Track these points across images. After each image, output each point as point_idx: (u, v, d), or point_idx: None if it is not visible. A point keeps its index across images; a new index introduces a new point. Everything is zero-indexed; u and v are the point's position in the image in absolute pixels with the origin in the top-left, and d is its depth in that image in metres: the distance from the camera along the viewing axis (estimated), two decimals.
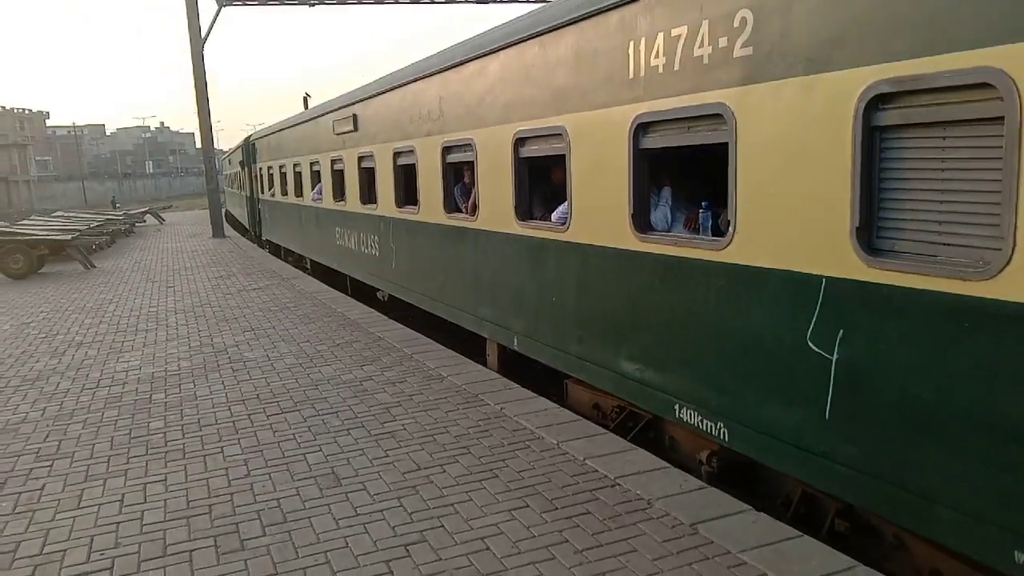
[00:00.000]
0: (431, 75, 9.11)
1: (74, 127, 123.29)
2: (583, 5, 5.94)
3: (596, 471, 4.98)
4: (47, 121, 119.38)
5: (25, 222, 26.96)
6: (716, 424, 4.91)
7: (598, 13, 5.77)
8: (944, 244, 3.57)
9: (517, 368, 7.83)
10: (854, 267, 3.90)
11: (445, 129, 8.79)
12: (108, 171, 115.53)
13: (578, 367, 6.47)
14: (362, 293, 13.34)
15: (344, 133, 12.93)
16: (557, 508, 4.50)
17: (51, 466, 5.61)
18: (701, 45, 4.80)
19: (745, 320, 4.65)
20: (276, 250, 21.83)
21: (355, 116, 12.34)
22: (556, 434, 5.66)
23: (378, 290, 12.54)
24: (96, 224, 26.12)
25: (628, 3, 5.45)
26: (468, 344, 8.75)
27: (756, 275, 4.57)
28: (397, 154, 10.40)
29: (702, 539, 4.05)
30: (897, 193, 3.76)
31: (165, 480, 5.23)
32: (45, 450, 5.96)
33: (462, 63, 8.24)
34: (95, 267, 18.85)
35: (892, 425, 3.79)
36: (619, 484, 4.76)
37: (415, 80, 9.63)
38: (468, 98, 8.16)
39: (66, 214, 32.88)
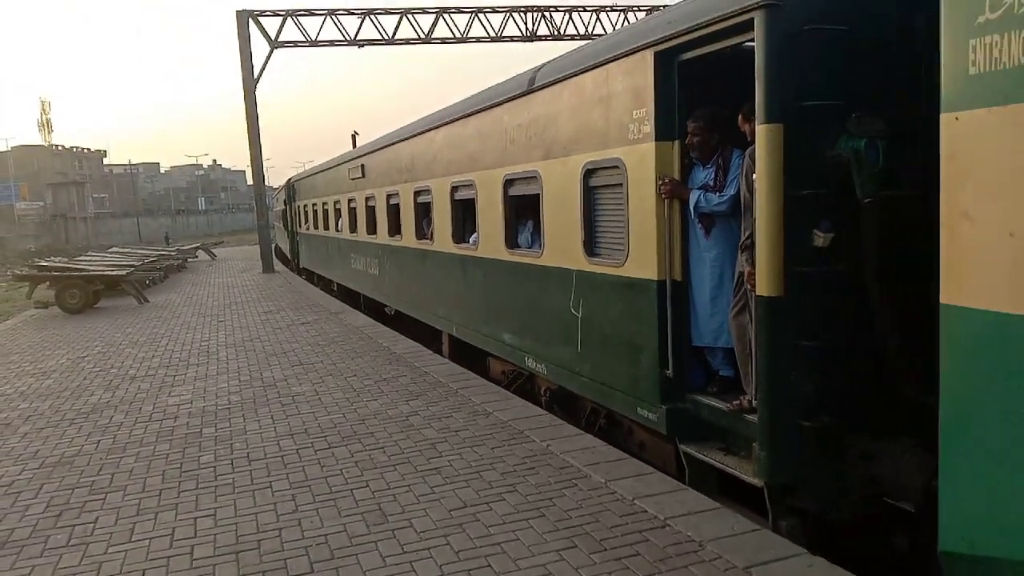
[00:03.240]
0: (405, 139, 12.46)
1: (130, 165, 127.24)
2: (479, 103, 9.31)
3: (645, 511, 4.90)
4: (104, 160, 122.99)
5: (82, 258, 27.70)
6: (540, 365, 7.97)
7: (485, 110, 9.04)
8: (611, 249, 6.59)
9: (466, 354, 10.32)
10: (584, 264, 6.93)
11: (414, 178, 11.94)
12: (162, 208, 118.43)
13: (483, 342, 9.60)
14: (372, 309, 16.08)
15: (356, 179, 16.25)
16: (606, 549, 4.43)
17: (104, 499, 5.70)
18: (528, 137, 7.95)
19: (548, 298, 7.67)
20: (310, 277, 25.21)
21: (363, 166, 15.63)
22: (604, 472, 5.59)
23: (385, 306, 15.07)
24: (150, 260, 26.75)
25: (499, 105, 8.59)
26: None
27: (551, 271, 7.61)
28: (389, 196, 13.54)
29: None
30: (598, 226, 6.85)
31: (215, 515, 5.27)
32: (99, 483, 6.06)
33: (420, 133, 11.55)
34: (148, 302, 19.26)
35: (598, 349, 6.81)
36: (669, 525, 4.68)
37: (398, 141, 12.94)
38: (427, 157, 11.33)
39: (121, 250, 33.78)
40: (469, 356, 10.18)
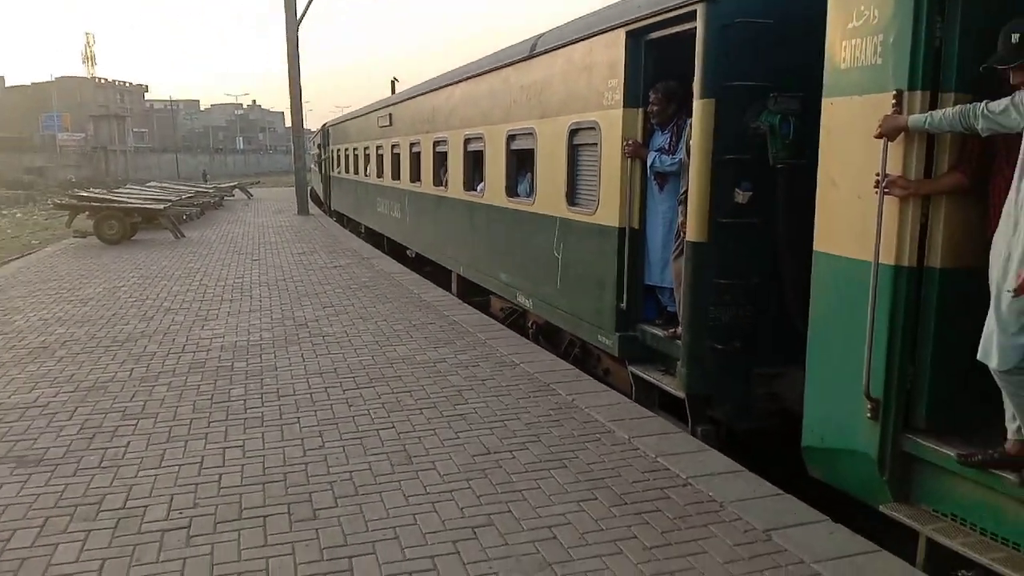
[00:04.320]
0: (428, 92, 13.32)
1: (171, 101, 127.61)
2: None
3: (668, 469, 4.91)
4: (145, 95, 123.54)
5: (121, 191, 28.04)
6: (528, 300, 8.94)
7: (495, 70, 9.94)
8: (587, 200, 7.48)
9: (475, 292, 11.28)
10: (565, 211, 7.83)
11: (434, 128, 12.73)
12: (200, 145, 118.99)
13: (484, 281, 10.59)
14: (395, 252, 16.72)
15: (384, 127, 17.12)
16: (626, 503, 4.45)
17: (136, 425, 5.82)
18: (527, 98, 8.83)
19: (536, 241, 8.58)
20: (340, 219, 25.79)
21: (391, 115, 16.44)
22: (628, 429, 5.60)
23: (407, 248, 15.82)
24: (188, 196, 26.99)
25: (507, 67, 9.46)
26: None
27: (540, 217, 8.48)
28: (412, 144, 14.37)
29: (775, 546, 3.95)
30: (579, 179, 7.72)
31: (243, 446, 5.37)
32: (131, 409, 6.18)
33: (441, 88, 12.42)
34: (185, 237, 19.49)
35: (572, 286, 7.78)
36: (691, 484, 4.68)
37: (421, 94, 13.83)
38: (446, 110, 12.22)
39: (160, 185, 34.10)
40: (473, 294, 11.36)
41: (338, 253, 16.25)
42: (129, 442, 5.47)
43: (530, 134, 8.73)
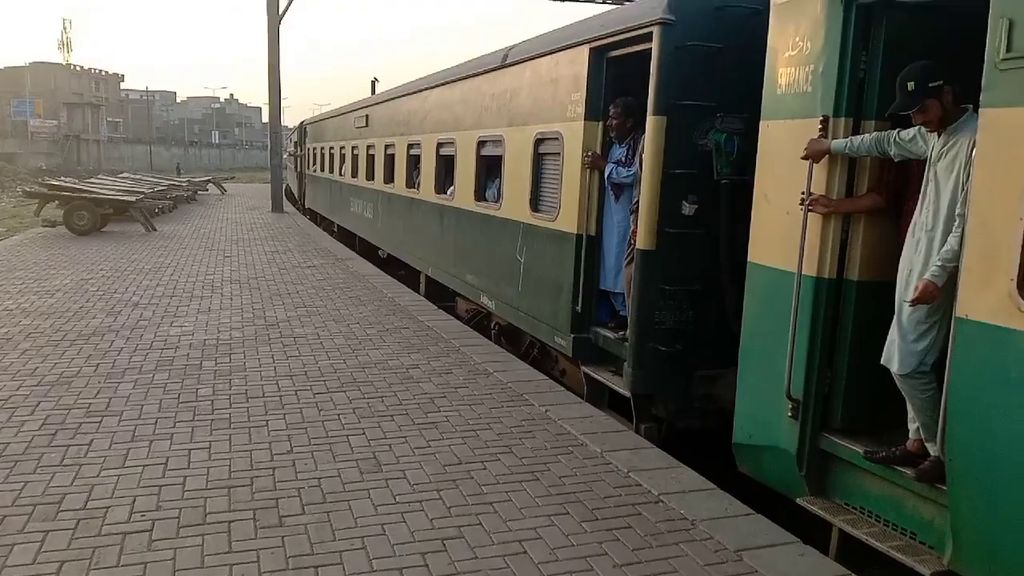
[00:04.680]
0: (404, 96, 13.63)
1: (147, 92, 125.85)
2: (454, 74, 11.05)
3: (640, 485, 4.88)
4: (121, 84, 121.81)
5: (92, 181, 27.59)
6: (492, 302, 9.19)
7: (468, 78, 10.27)
8: (549, 206, 7.74)
9: (442, 293, 11.50)
10: (529, 217, 8.06)
11: (409, 131, 13.01)
12: (175, 138, 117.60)
13: (450, 282, 10.83)
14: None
15: (360, 128, 17.24)
16: (598, 519, 4.41)
17: (100, 422, 5.70)
18: (498, 106, 9.10)
19: (501, 245, 8.76)
20: (314, 218, 25.88)
21: (367, 116, 16.60)
22: (600, 442, 5.57)
23: (379, 249, 15.85)
24: (160, 188, 26.70)
25: (480, 75, 9.80)
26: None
27: (505, 223, 8.72)
28: (387, 146, 14.60)
29: (746, 567, 3.94)
30: (542, 186, 8.00)
31: (209, 448, 5.27)
32: (95, 406, 6.06)
33: (417, 92, 12.72)
34: (156, 230, 19.23)
35: (533, 289, 8.05)
36: (663, 501, 4.66)
37: (398, 97, 14.18)
38: (420, 114, 12.43)
39: (132, 176, 33.65)
40: (441, 295, 11.58)
41: (312, 253, 16.11)
42: (92, 440, 5.34)
43: (499, 141, 9.00)
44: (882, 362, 4.16)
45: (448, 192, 10.91)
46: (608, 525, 4.34)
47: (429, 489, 4.74)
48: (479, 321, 10.20)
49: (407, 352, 8.01)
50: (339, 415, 6.02)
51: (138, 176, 34.85)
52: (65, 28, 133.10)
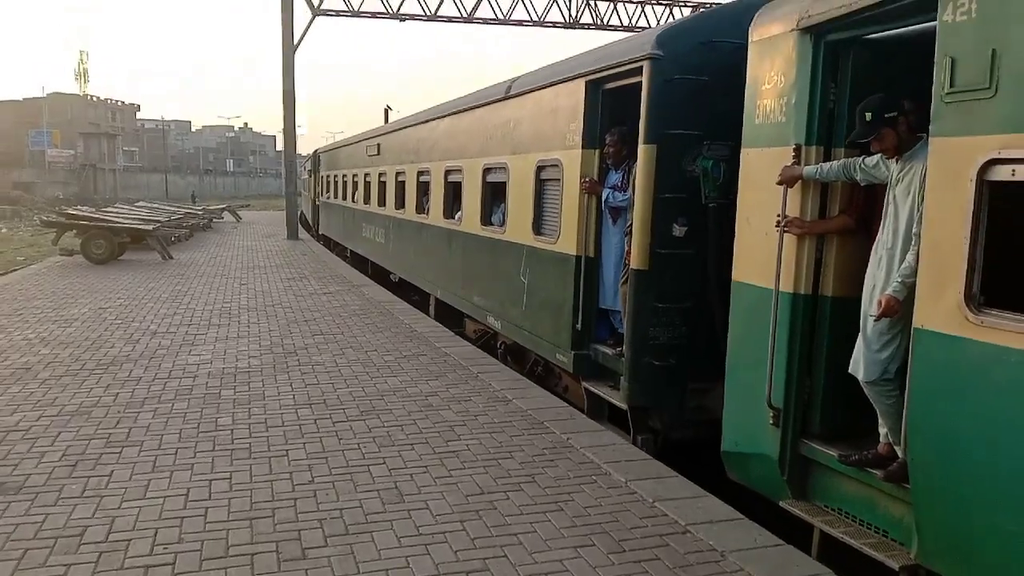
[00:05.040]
0: (414, 125, 14.17)
1: (162, 121, 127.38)
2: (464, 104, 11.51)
3: (666, 515, 4.80)
4: (137, 114, 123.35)
5: (109, 209, 27.82)
6: (497, 322, 9.51)
7: (474, 108, 10.79)
8: (550, 229, 8.13)
9: (450, 315, 11.83)
10: (532, 240, 8.45)
11: (419, 159, 13.46)
12: (190, 166, 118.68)
13: (459, 303, 11.20)
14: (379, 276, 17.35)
15: (372, 156, 17.84)
16: (625, 551, 4.34)
17: (120, 453, 5.68)
18: (502, 135, 9.51)
19: (505, 267, 9.12)
20: (327, 243, 26.33)
21: (379, 145, 17.16)
22: (624, 471, 5.50)
23: (390, 273, 16.34)
24: (176, 217, 26.84)
25: (485, 106, 10.27)
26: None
27: (510, 245, 9.13)
28: (398, 173, 15.13)
29: None
30: (544, 211, 8.37)
31: (230, 479, 5.23)
32: (115, 436, 6.04)
33: (426, 121, 13.22)
34: (173, 258, 19.32)
35: (535, 308, 8.41)
36: (690, 532, 4.58)
37: (408, 127, 14.72)
38: (429, 143, 12.95)
39: (149, 205, 33.92)
40: (449, 317, 11.93)
41: (328, 280, 16.13)
42: (113, 471, 5.32)
43: (503, 168, 9.44)
44: (850, 371, 4.46)
45: (456, 217, 11.29)
46: (636, 556, 4.26)
47: (452, 520, 4.68)
48: (486, 341, 10.56)
49: (425, 379, 7.97)
50: (359, 444, 5.98)
51: (154, 205, 35.12)
52: (82, 59, 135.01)
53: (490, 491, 5.14)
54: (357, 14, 28.73)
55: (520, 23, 31.16)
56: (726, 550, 4.35)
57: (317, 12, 27.51)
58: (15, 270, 19.15)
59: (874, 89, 4.37)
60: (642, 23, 31.81)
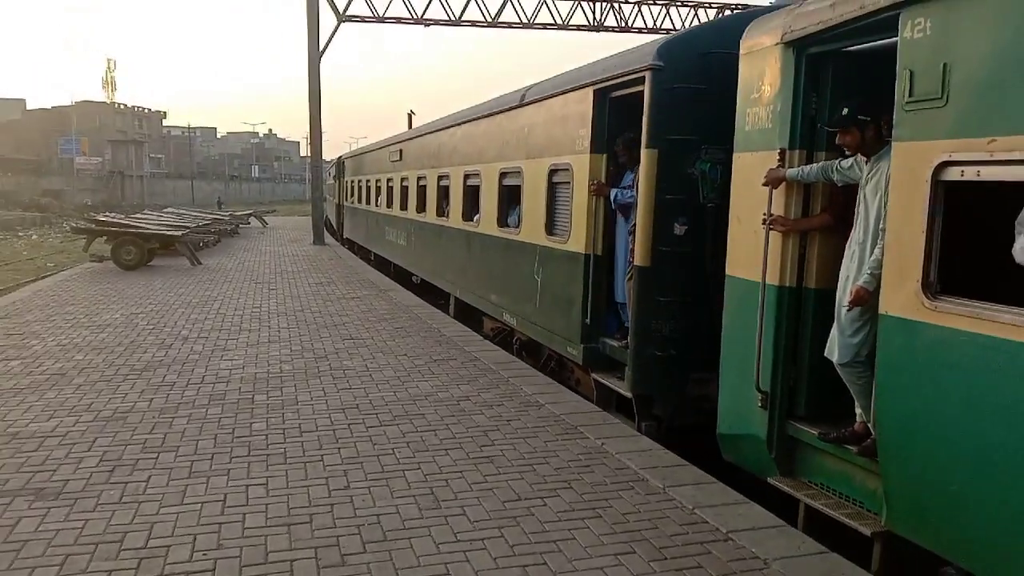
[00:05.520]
0: (434, 132, 14.78)
1: (188, 128, 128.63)
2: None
3: (706, 522, 4.73)
4: (163, 121, 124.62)
5: (138, 216, 28.10)
6: (513, 318, 10.05)
7: (491, 115, 11.26)
8: (561, 230, 8.56)
9: (469, 314, 12.37)
10: (544, 240, 8.89)
11: (439, 164, 14.03)
12: (216, 172, 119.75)
13: (477, 302, 11.73)
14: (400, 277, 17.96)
15: (395, 161, 18.45)
16: (666, 558, 4.27)
17: (156, 458, 5.69)
18: (517, 140, 10.05)
19: (520, 266, 9.60)
20: (351, 247, 26.98)
21: (401, 151, 17.85)
22: (662, 477, 5.43)
23: (412, 275, 16.87)
24: (204, 223, 27.04)
25: (501, 113, 10.76)
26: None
27: (524, 245, 9.59)
28: (419, 178, 15.66)
29: None
30: (556, 212, 8.80)
31: (266, 484, 5.22)
32: (151, 442, 6.06)
33: (446, 128, 13.82)
34: (201, 264, 19.46)
35: (548, 304, 8.83)
36: (732, 539, 4.51)
37: (428, 133, 15.36)
38: (449, 148, 13.44)
39: (177, 211, 34.21)
40: (469, 316, 12.41)
41: (356, 284, 16.17)
42: (150, 476, 5.33)
43: (518, 172, 9.91)
44: (825, 354, 4.90)
45: (474, 219, 11.80)
46: (678, 565, 4.20)
47: (490, 527, 4.64)
48: (503, 338, 10.99)
49: (456, 384, 7.94)
50: (394, 449, 5.96)
51: (182, 211, 35.42)
52: (109, 68, 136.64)
53: (527, 497, 5.10)
54: (382, 20, 28.80)
55: (545, 27, 31.11)
56: (770, 558, 4.27)
57: (343, 18, 27.63)
58: (46, 276, 19.41)
59: (852, 97, 4.80)
60: (667, 25, 31.66)
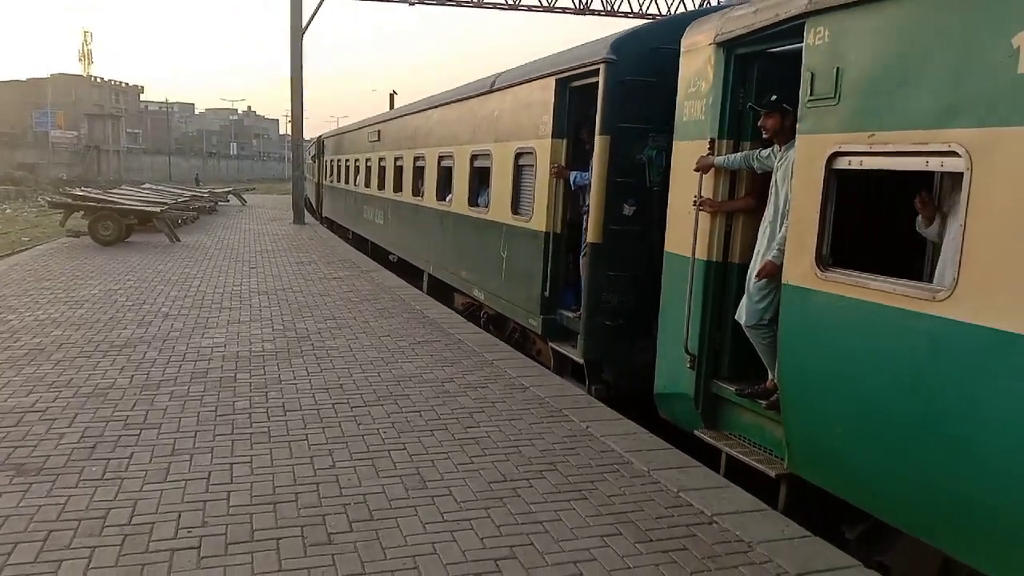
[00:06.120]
0: (411, 114, 15.26)
1: (166, 103, 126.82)
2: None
3: (691, 505, 4.77)
4: (140, 96, 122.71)
5: (116, 191, 27.73)
6: (481, 293, 10.62)
7: (463, 100, 11.82)
8: (525, 209, 9.03)
9: (441, 290, 12.89)
10: (510, 219, 9.41)
11: (415, 145, 14.55)
12: (194, 149, 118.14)
13: (449, 278, 12.29)
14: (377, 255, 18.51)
15: (373, 142, 18.87)
16: (652, 540, 4.30)
17: (139, 435, 5.64)
18: (487, 124, 10.58)
19: (488, 244, 10.11)
20: (331, 226, 27.13)
21: (379, 131, 18.25)
22: (646, 461, 5.46)
23: (390, 253, 17.39)
24: (183, 199, 26.76)
25: (473, 98, 11.26)
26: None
27: (492, 224, 10.09)
28: (396, 158, 16.17)
29: None
30: (520, 193, 9.33)
31: (251, 462, 5.20)
32: (133, 419, 6.00)
33: (422, 110, 14.32)
34: (180, 241, 19.28)
35: (512, 279, 9.38)
36: (716, 522, 4.55)
37: (406, 115, 15.89)
38: (425, 130, 13.94)
39: (154, 187, 33.81)
40: (441, 291, 12.94)
41: (337, 264, 16.09)
42: (132, 453, 5.29)
43: (488, 155, 10.41)
44: (735, 317, 5.58)
45: (447, 199, 12.30)
46: (664, 547, 4.23)
47: (476, 507, 4.65)
48: (472, 312, 11.60)
49: (440, 366, 7.93)
50: (379, 429, 5.94)
51: (160, 187, 35.00)
52: (86, 40, 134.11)
53: (512, 478, 5.11)
54: None
55: (530, 9, 30.97)
56: (754, 541, 4.32)
57: None
58: (22, 250, 19.14)
59: (775, 92, 5.27)
60: (652, 10, 31.61)
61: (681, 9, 29.83)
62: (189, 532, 4.20)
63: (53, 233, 22.90)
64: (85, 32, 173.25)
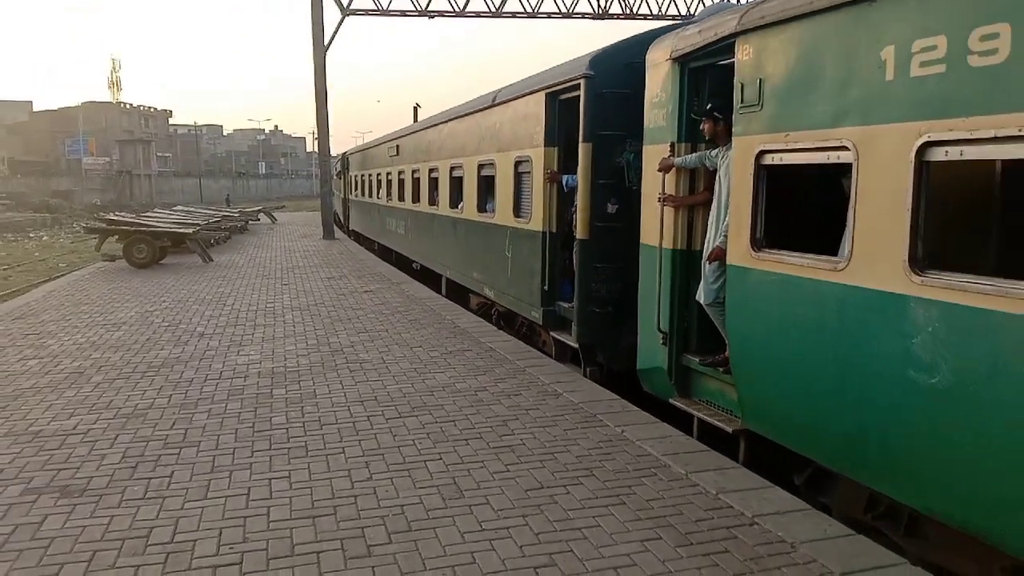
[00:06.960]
0: (426, 128, 16.32)
1: (195, 126, 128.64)
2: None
3: (731, 507, 4.72)
4: (169, 119, 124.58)
5: (148, 214, 28.15)
6: (491, 291, 11.49)
7: (470, 114, 12.77)
8: (525, 212, 9.97)
9: (458, 294, 13.78)
10: (513, 221, 10.29)
11: (430, 158, 15.63)
12: (223, 170, 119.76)
13: (464, 280, 13.20)
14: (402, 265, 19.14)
15: (392, 156, 20.12)
16: (692, 543, 4.27)
17: (179, 454, 5.71)
18: (491, 136, 11.53)
19: (495, 245, 10.97)
20: (357, 238, 28.42)
21: (398, 146, 19.42)
22: (684, 463, 5.42)
23: (413, 262, 18.15)
24: (215, 220, 27.08)
25: (478, 112, 12.21)
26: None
27: (497, 227, 10.95)
28: (414, 171, 17.31)
29: None
30: (521, 197, 10.21)
31: (289, 477, 5.24)
32: (172, 437, 6.07)
33: (435, 125, 15.36)
34: (213, 260, 19.50)
35: (517, 276, 10.17)
36: (757, 523, 4.50)
37: (421, 130, 16.92)
38: (438, 144, 14.97)
39: (186, 209, 34.28)
40: (459, 295, 13.79)
41: (368, 278, 16.18)
42: (173, 471, 5.35)
43: (492, 163, 11.36)
44: (695, 297, 6.38)
45: (459, 207, 13.24)
46: (705, 550, 4.19)
47: (514, 515, 4.64)
48: (485, 311, 12.43)
49: (473, 375, 7.94)
50: (414, 440, 5.96)
51: (192, 209, 35.48)
52: (114, 68, 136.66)
53: (549, 485, 5.10)
54: (386, 13, 28.75)
55: (549, 15, 31.00)
56: (796, 541, 4.26)
57: (347, 12, 27.59)
58: (59, 276, 19.48)
59: (725, 101, 5.86)
60: (672, 11, 31.50)
61: (700, 8, 29.66)
62: (231, 548, 4.23)
63: (89, 258, 23.31)
64: (113, 60, 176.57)
